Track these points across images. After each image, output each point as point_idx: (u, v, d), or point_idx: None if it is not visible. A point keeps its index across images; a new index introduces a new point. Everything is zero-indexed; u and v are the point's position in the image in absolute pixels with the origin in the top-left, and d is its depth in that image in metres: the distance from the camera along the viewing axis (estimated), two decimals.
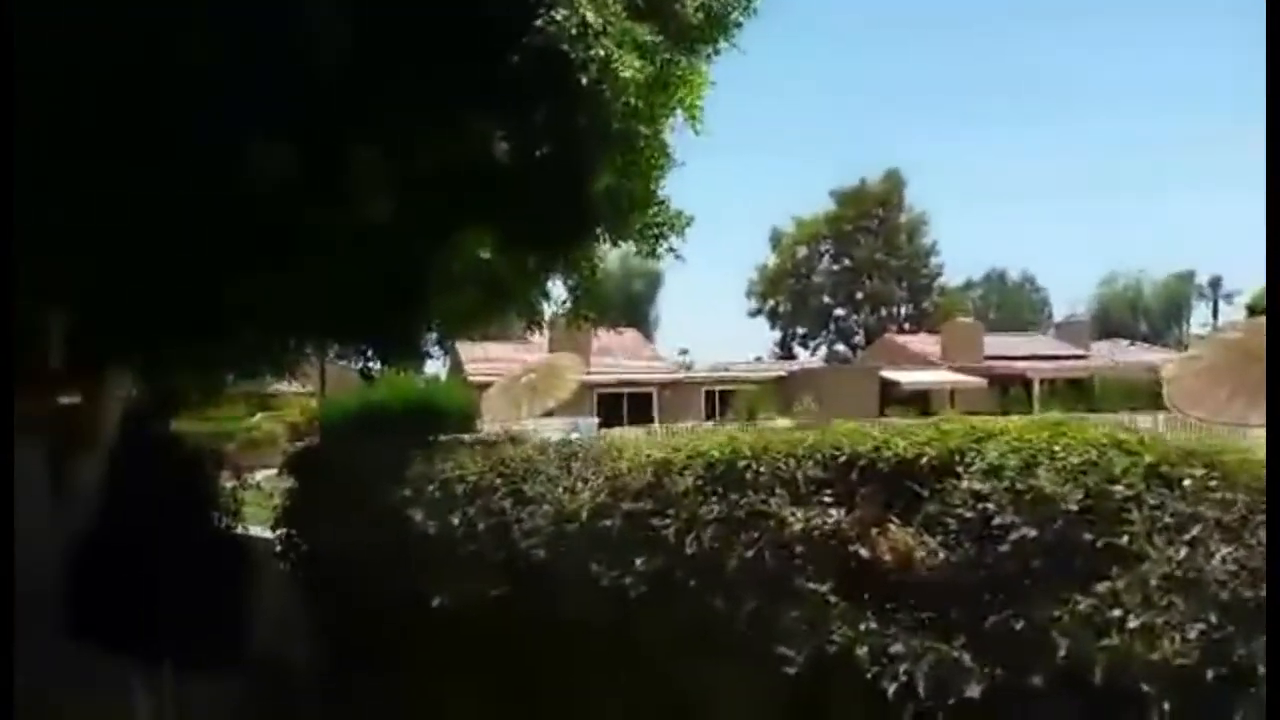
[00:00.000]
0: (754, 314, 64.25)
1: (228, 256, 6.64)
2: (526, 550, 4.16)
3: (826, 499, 3.11)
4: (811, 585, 2.97)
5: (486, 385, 24.88)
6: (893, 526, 2.94)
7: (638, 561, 3.45)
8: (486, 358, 30.67)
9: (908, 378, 37.32)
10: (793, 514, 3.08)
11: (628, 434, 9.97)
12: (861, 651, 2.86)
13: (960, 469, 2.96)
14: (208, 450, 8.97)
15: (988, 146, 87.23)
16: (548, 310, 8.97)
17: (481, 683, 4.73)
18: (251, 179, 5.88)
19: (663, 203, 7.47)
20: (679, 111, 6.92)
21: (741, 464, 3.33)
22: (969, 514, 2.80)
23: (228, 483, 9.05)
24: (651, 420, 32.94)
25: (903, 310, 63.78)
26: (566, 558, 3.94)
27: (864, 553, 2.91)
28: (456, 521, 4.66)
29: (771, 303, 63.51)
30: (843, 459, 3.12)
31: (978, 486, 2.83)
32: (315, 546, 6.61)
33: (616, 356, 36.17)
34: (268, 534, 8.24)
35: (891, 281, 62.34)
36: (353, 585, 5.84)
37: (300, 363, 9.81)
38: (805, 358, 59.35)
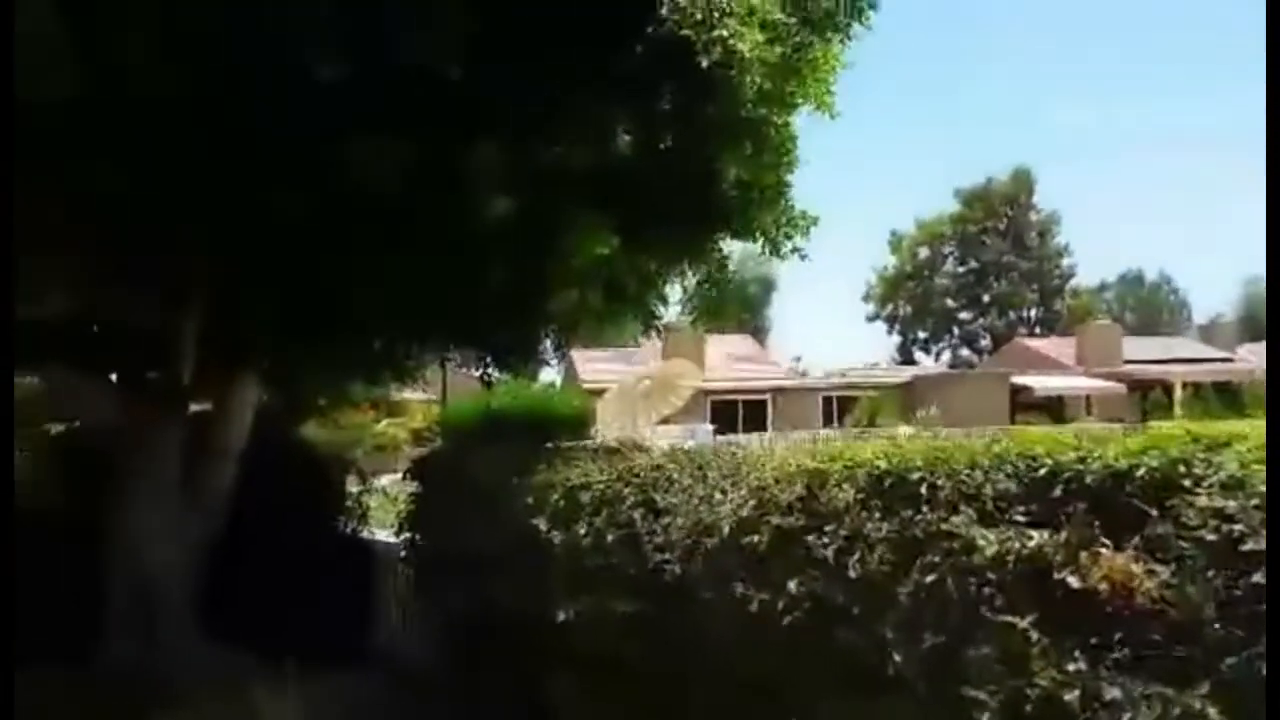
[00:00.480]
0: (872, 319, 62.54)
1: (350, 261, 6.59)
2: (660, 565, 3.84)
3: (1020, 517, 2.66)
4: (1007, 618, 2.52)
5: (601, 392, 24.87)
6: (1106, 551, 2.47)
7: (791, 584, 3.07)
8: (601, 365, 30.68)
9: (1040, 383, 35.44)
10: (982, 535, 2.64)
11: (754, 441, 9.50)
12: (1070, 696, 2.41)
13: (1188, 482, 2.47)
14: (335, 455, 9.03)
15: (1122, 137, 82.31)
16: (665, 314, 8.67)
17: (610, 704, 4.44)
18: (371, 179, 5.79)
19: (790, 199, 7.05)
20: (805, 101, 6.48)
21: (914, 476, 2.91)
22: (1211, 536, 2.31)
23: (353, 487, 9.10)
24: (766, 428, 32.27)
25: (1033, 313, 60.92)
26: (706, 575, 3.59)
27: (1073, 582, 2.45)
28: (582, 531, 4.38)
29: (890, 307, 61.65)
30: (1041, 471, 2.66)
31: (1219, 503, 2.33)
32: (438, 552, 6.49)
33: (730, 363, 35.70)
34: (392, 538, 8.23)
35: (1021, 284, 59.61)
36: (476, 592, 5.66)
37: (422, 369, 9.80)
38: (927, 363, 57.32)
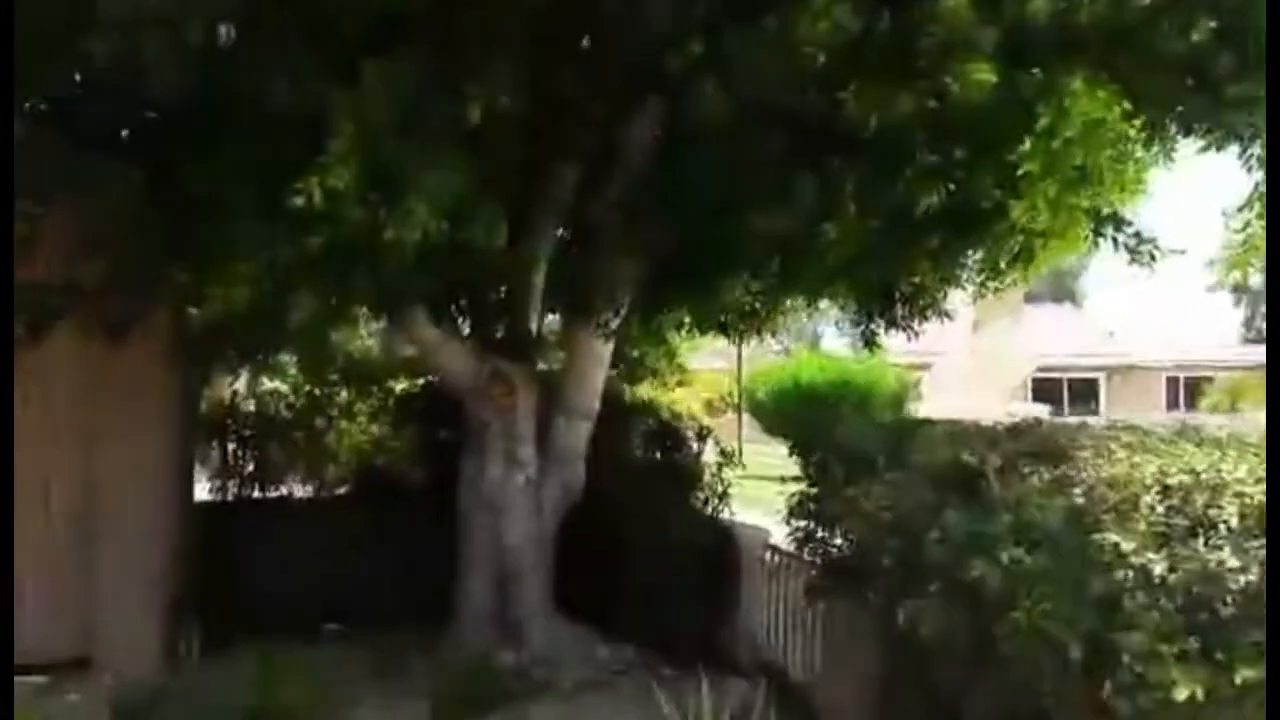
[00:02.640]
0: (1213, 289, 54.02)
1: (746, 181, 5.22)
2: None
3: None
4: None
5: (908, 366, 22.57)
6: None
7: None
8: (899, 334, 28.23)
9: None
10: None
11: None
12: None
13: None
14: (694, 422, 7.90)
15: None
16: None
17: None
18: (793, 60, 4.38)
19: None
20: None
21: None
22: None
23: (706, 457, 7.92)
24: (1096, 411, 28.43)
25: None
26: None
27: None
28: (1236, 563, 2.69)
29: (1238, 275, 52.91)
30: None
31: None
32: (853, 552, 5.04)
33: (1050, 336, 31.81)
34: (751, 520, 6.99)
35: None
36: (945, 618, 4.12)
37: (784, 322, 8.41)
38: None
